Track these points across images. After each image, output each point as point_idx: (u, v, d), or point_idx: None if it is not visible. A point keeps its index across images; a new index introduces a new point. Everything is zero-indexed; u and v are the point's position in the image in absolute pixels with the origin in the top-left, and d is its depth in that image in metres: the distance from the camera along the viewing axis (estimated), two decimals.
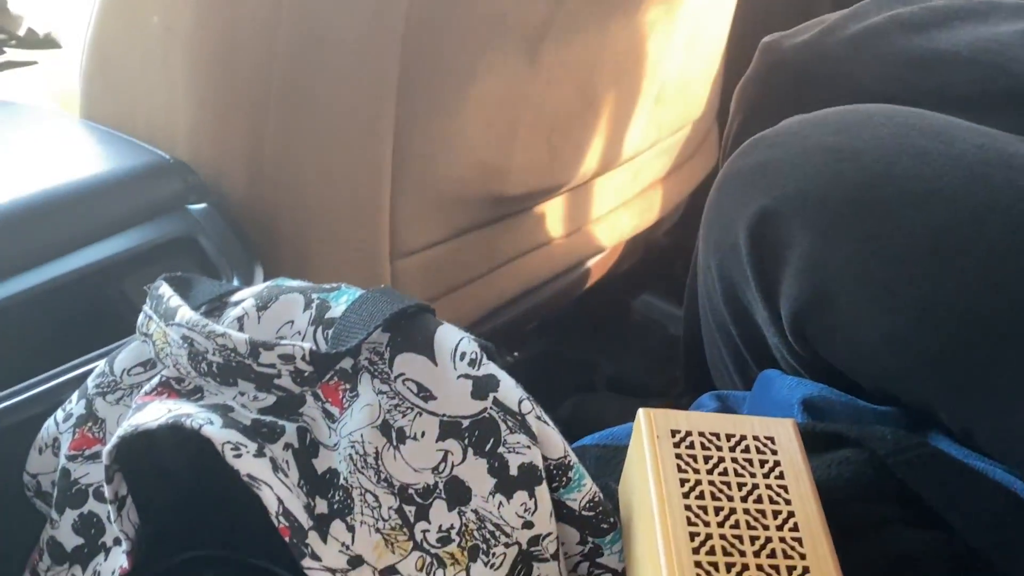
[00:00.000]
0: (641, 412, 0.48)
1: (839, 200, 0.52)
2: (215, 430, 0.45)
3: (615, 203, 0.99)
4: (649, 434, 0.47)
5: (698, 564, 0.42)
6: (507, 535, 0.46)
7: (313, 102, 0.68)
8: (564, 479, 0.48)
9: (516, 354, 1.15)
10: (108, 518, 0.52)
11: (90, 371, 0.55)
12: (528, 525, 0.47)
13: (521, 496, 0.47)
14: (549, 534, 0.47)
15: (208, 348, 0.47)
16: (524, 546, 0.47)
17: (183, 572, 0.50)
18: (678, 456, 0.46)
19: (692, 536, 0.43)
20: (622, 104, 0.88)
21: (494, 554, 0.46)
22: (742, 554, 0.43)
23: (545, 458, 0.48)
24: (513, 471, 0.47)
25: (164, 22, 0.66)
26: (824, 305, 0.53)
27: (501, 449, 0.47)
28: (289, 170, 0.69)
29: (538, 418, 0.48)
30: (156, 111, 0.70)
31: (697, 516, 0.44)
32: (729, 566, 0.42)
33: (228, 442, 0.44)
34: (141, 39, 0.68)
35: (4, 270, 0.59)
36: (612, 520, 0.49)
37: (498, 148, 0.80)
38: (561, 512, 0.48)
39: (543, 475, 0.47)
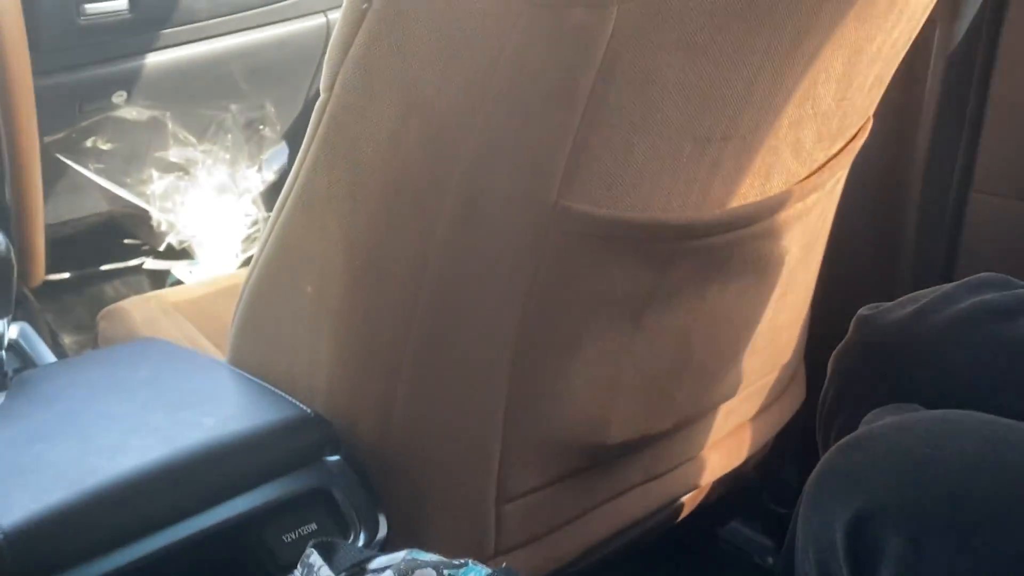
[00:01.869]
0: None
1: (926, 512, 0.56)
2: None
3: (706, 445, 1.04)
4: None
5: None
6: None
7: (440, 367, 0.75)
8: None
9: None
10: None
11: None
12: None
13: None
14: None
15: None
16: None
17: None
18: None
19: None
20: (715, 359, 0.94)
21: None
22: None
23: None
24: None
25: (316, 292, 0.75)
26: None
27: None
28: (414, 425, 0.76)
29: None
30: (299, 366, 0.78)
31: None
32: None
33: None
34: (293, 303, 0.78)
35: (164, 520, 0.66)
36: None
37: (600, 402, 0.86)
38: None
39: None
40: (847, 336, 0.80)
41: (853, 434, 0.63)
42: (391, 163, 0.70)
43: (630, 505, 0.97)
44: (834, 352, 0.81)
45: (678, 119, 0.70)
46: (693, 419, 0.98)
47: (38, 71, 1.24)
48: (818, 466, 0.64)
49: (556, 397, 0.81)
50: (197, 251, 1.58)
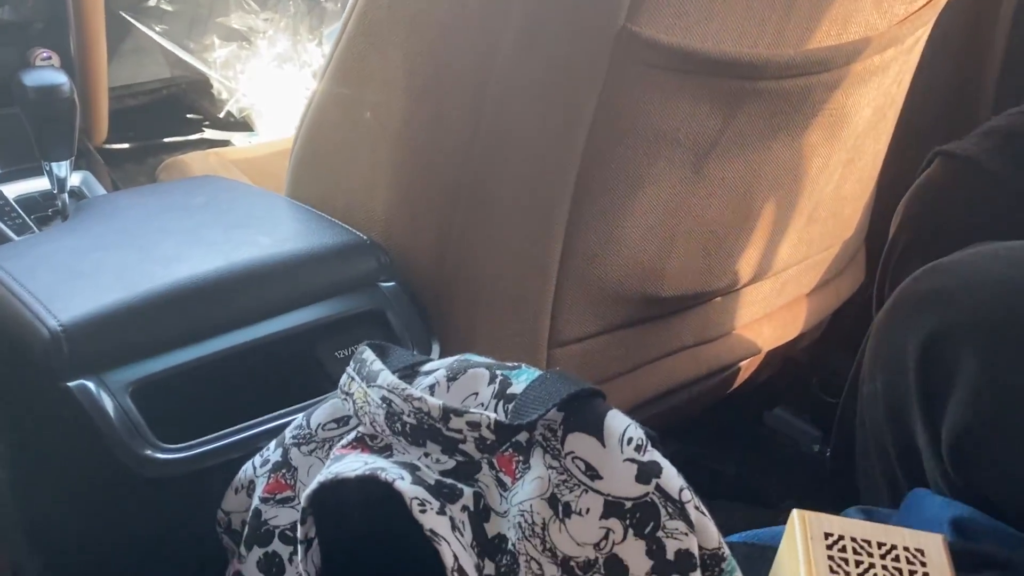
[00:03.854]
0: (795, 513, 0.51)
1: (1009, 333, 0.54)
2: (406, 485, 0.50)
3: (760, 313, 1.02)
4: (803, 535, 0.50)
5: None
6: None
7: (497, 200, 0.74)
8: (717, 569, 0.51)
9: None
10: (289, 559, 0.57)
11: (286, 423, 0.61)
12: None
13: None
14: None
15: (404, 410, 0.53)
16: None
17: None
18: (830, 558, 0.49)
19: None
20: (776, 219, 0.92)
21: None
22: None
23: (700, 547, 0.51)
24: (670, 555, 0.50)
25: (376, 119, 0.74)
26: (986, 433, 0.54)
27: (660, 533, 0.50)
28: (468, 259, 0.76)
29: (696, 508, 0.51)
30: (356, 196, 0.78)
31: None
32: None
33: (416, 498, 0.49)
34: (352, 132, 0.77)
35: (216, 328, 0.66)
36: None
37: (656, 252, 0.84)
38: None
39: (697, 562, 0.50)
40: (928, 172, 0.77)
41: (934, 262, 0.61)
42: None
43: (680, 366, 0.96)
44: (911, 190, 0.78)
45: None
46: (749, 282, 0.96)
47: None
48: (897, 290, 0.63)
49: (613, 241, 0.80)
50: (256, 122, 1.58)
